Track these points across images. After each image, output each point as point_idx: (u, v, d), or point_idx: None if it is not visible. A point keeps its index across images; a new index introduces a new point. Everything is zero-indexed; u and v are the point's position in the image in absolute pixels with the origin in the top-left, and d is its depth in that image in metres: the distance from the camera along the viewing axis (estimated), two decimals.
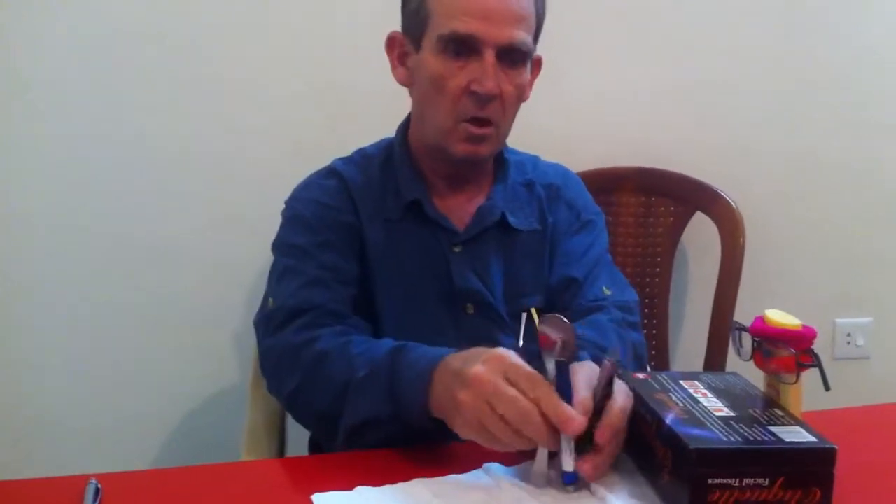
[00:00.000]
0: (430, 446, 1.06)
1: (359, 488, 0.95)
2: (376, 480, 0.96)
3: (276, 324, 1.22)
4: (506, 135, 1.33)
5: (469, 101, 1.24)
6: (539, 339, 0.98)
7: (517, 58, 1.25)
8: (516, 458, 1.00)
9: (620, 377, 0.98)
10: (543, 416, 0.91)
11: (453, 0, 1.22)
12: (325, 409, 1.12)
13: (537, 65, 1.36)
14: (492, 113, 1.25)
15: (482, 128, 1.26)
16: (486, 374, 0.93)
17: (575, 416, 0.91)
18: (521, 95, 1.29)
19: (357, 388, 1.08)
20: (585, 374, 0.98)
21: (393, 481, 0.96)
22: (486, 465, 0.99)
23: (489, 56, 1.22)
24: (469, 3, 1.21)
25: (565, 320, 0.98)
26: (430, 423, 1.02)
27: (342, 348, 1.14)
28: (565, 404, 0.91)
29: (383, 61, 1.35)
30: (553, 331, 0.97)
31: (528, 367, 0.94)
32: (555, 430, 0.91)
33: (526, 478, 0.97)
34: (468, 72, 1.23)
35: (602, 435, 0.93)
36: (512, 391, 0.92)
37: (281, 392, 1.21)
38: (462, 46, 1.23)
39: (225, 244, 1.92)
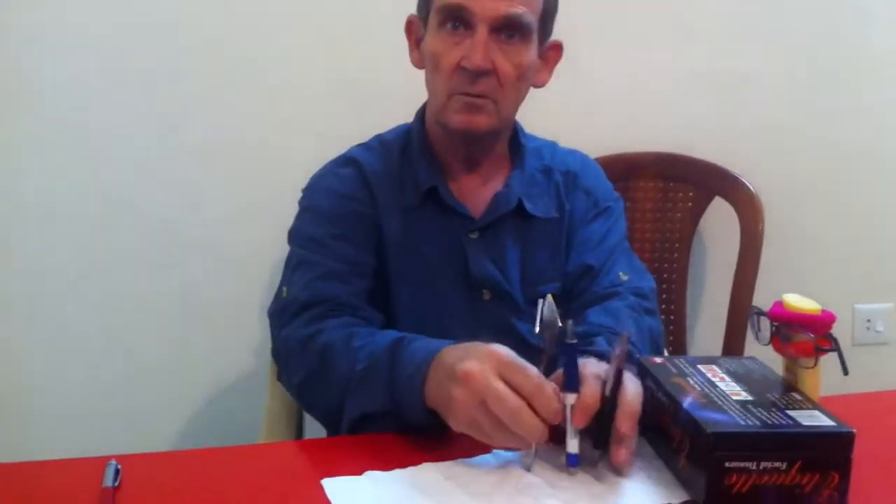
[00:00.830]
0: (440, 432, 1.06)
1: (368, 473, 0.95)
2: (386, 464, 0.96)
3: (288, 315, 1.23)
4: (508, 113, 1.31)
5: (461, 76, 1.23)
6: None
7: (514, 33, 1.23)
8: None
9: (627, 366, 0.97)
10: (535, 411, 0.90)
11: None
12: (328, 402, 1.13)
13: (557, 50, 1.35)
14: (485, 89, 1.23)
15: (476, 97, 1.24)
16: (477, 372, 0.92)
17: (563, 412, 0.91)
18: (521, 75, 1.26)
19: (357, 382, 1.09)
20: (594, 364, 0.98)
21: (402, 465, 0.96)
22: (495, 451, 0.99)
23: (481, 31, 1.20)
24: None
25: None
26: (428, 418, 1.01)
27: (345, 341, 1.13)
28: (555, 399, 0.91)
29: (405, 50, 1.35)
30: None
31: (520, 362, 0.93)
32: (547, 425, 0.91)
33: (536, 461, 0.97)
34: (461, 48, 1.22)
35: (623, 424, 0.92)
36: (503, 389, 0.90)
37: (290, 383, 1.22)
38: (457, 21, 1.22)
39: (245, 233, 1.93)
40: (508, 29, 1.22)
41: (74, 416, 1.91)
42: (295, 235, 1.34)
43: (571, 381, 0.93)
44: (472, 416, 0.93)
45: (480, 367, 0.93)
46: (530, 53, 1.26)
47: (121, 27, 1.82)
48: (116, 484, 0.90)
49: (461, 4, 1.21)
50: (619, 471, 0.94)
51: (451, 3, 1.21)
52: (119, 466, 0.93)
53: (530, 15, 1.24)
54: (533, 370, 0.92)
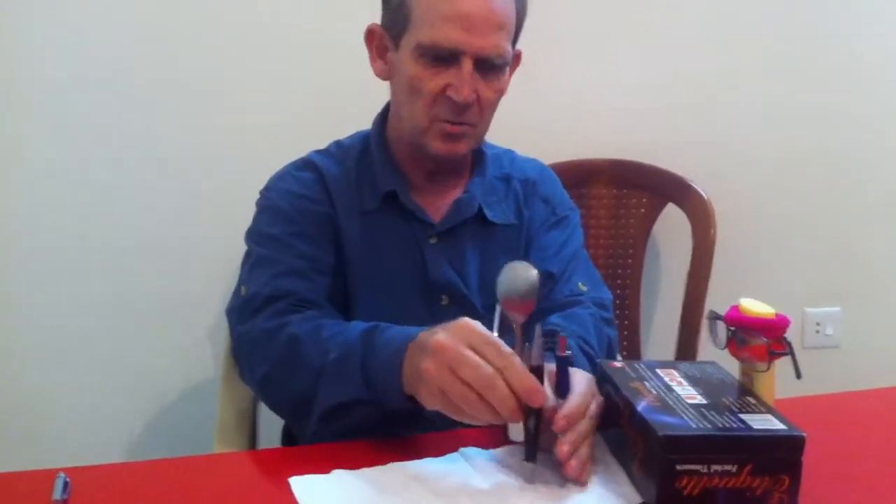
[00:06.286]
0: (406, 436, 1.06)
1: (336, 471, 0.95)
2: (352, 466, 0.96)
3: (249, 311, 1.21)
4: (484, 133, 1.33)
5: (444, 104, 1.23)
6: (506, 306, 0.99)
7: (497, 65, 1.24)
8: (492, 442, 1.01)
9: (569, 358, 0.99)
10: (508, 385, 0.90)
11: (435, 5, 1.20)
12: (297, 393, 1.12)
13: (516, 59, 1.36)
14: (468, 118, 1.25)
15: (459, 126, 1.25)
16: (448, 342, 0.93)
17: (539, 388, 0.91)
18: (499, 98, 1.29)
19: (330, 371, 1.08)
20: (585, 378, 1.00)
21: (369, 465, 0.97)
22: (462, 450, 1.00)
23: (466, 65, 1.21)
24: (450, 10, 1.19)
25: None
26: (405, 402, 1.01)
27: (314, 332, 1.13)
28: (528, 374, 0.91)
29: (362, 56, 1.34)
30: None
31: (492, 336, 0.94)
32: (519, 401, 0.91)
33: (502, 460, 0.98)
34: (445, 76, 1.22)
35: (559, 420, 0.93)
36: (475, 357, 0.91)
37: (253, 378, 1.20)
38: (441, 55, 1.22)
39: (199, 240, 1.91)
40: (491, 62, 1.23)
41: (21, 428, 1.87)
42: (253, 234, 1.32)
43: (564, 390, 0.95)
44: (442, 387, 0.93)
45: (452, 337, 0.93)
46: (506, 77, 1.29)
47: (79, 36, 1.80)
48: (66, 497, 0.88)
49: (451, 48, 1.20)
50: (571, 476, 0.93)
51: (441, 46, 1.20)
52: (68, 479, 0.91)
53: (509, 46, 1.25)
54: (504, 345, 0.93)
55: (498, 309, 1.01)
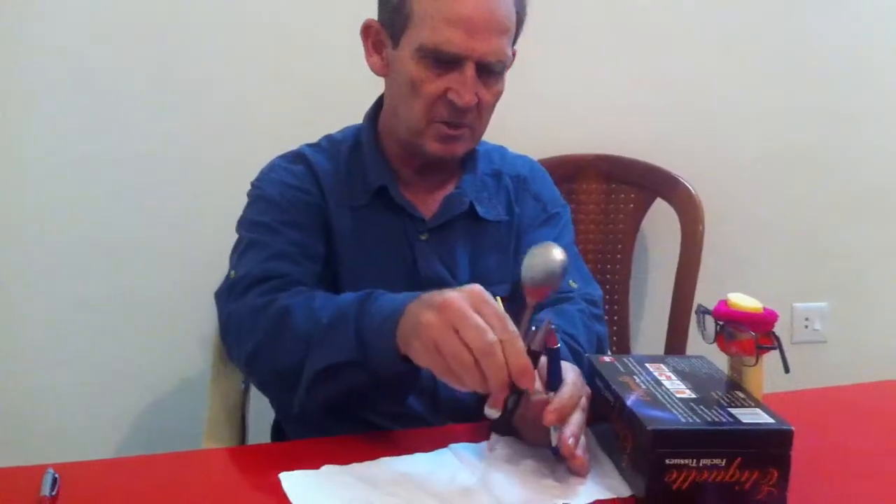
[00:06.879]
0: (396, 430, 1.07)
1: (325, 467, 0.95)
2: (342, 462, 0.96)
3: (238, 291, 1.20)
4: (482, 134, 1.33)
5: (444, 106, 1.23)
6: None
7: (497, 69, 1.24)
8: (482, 438, 1.01)
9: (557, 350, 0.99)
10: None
11: (438, 6, 1.19)
12: (286, 362, 1.09)
13: (512, 56, 1.36)
14: (468, 121, 1.25)
15: (456, 129, 1.25)
16: (458, 301, 0.91)
17: (532, 371, 0.90)
18: (498, 100, 1.28)
19: (322, 335, 1.06)
20: (574, 371, 1.00)
21: (359, 460, 0.97)
22: (451, 446, 1.00)
23: (469, 69, 1.20)
24: (452, 12, 1.18)
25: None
26: (398, 363, 0.99)
27: (305, 302, 1.12)
28: (525, 355, 0.90)
29: (357, 57, 1.33)
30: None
31: (501, 309, 0.92)
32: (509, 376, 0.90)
33: (491, 455, 0.98)
34: (446, 79, 1.22)
35: (548, 414, 0.93)
36: (481, 321, 0.90)
37: (241, 354, 1.17)
38: (443, 59, 1.21)
39: (190, 238, 1.91)
40: (493, 66, 1.23)
41: (10, 424, 1.86)
42: (244, 223, 1.31)
43: (555, 382, 0.95)
44: (436, 342, 0.91)
45: (462, 299, 0.92)
46: (504, 79, 1.28)
47: (72, 33, 1.79)
48: (54, 493, 0.88)
49: (454, 53, 1.19)
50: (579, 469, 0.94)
51: (444, 51, 1.19)
52: (57, 475, 0.91)
53: (510, 49, 1.25)
54: (511, 322, 0.92)
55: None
